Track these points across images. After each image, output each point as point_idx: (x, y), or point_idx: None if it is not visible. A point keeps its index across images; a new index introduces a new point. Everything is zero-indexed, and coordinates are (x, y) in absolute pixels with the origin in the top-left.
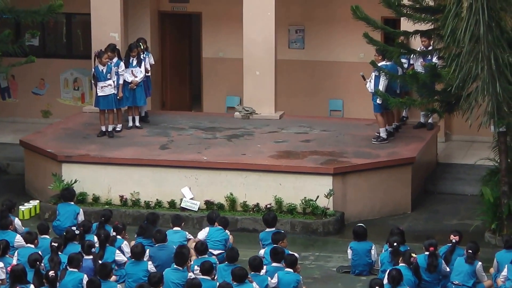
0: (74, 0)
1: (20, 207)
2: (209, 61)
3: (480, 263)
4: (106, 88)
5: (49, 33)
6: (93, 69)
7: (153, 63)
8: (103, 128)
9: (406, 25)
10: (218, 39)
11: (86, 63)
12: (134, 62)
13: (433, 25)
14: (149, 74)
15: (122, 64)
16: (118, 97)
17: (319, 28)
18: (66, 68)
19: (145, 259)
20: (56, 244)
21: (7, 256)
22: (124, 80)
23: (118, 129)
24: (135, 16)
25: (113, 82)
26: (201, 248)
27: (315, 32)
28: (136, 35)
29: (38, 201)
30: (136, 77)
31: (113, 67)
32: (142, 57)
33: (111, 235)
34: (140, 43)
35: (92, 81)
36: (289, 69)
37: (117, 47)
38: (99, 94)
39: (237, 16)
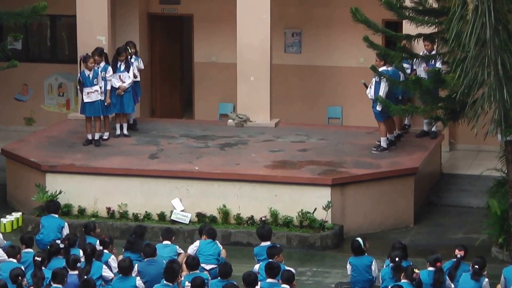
0: (59, 1)
1: (2, 219)
2: (201, 66)
3: (486, 279)
4: (92, 94)
5: (33, 36)
6: (79, 74)
7: (143, 68)
8: (90, 137)
9: (408, 28)
10: (210, 43)
11: (71, 68)
12: (122, 67)
13: (436, 28)
14: (138, 79)
15: (109, 69)
16: (105, 104)
17: (316, 31)
18: (50, 73)
19: (133, 274)
20: (39, 259)
21: None
22: (112, 86)
23: (105, 137)
24: (123, 18)
25: (100, 87)
26: (193, 262)
27: (312, 35)
28: (125, 39)
29: (20, 213)
30: (124, 82)
31: (99, 72)
32: (130, 62)
33: (97, 249)
34: (129, 47)
35: (78, 87)
36: (285, 74)
37: (104, 51)
38: (85, 100)
39: (230, 18)
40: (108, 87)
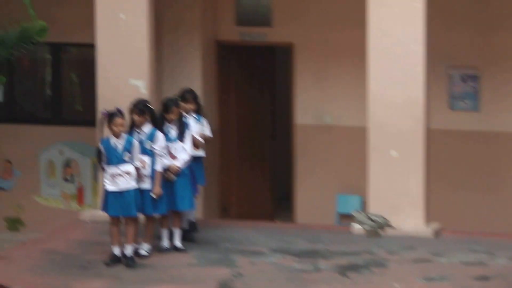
0: (66, 21)
1: None
2: (305, 131)
3: None
4: (121, 179)
5: (22, 79)
6: (99, 144)
7: (210, 136)
8: (117, 251)
9: None
10: (323, 93)
11: (86, 133)
12: (173, 133)
13: None
14: (201, 154)
15: (161, 137)
16: (152, 195)
17: (503, 74)
18: (51, 142)
19: None
20: None
21: None
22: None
23: (143, 252)
24: (175, 51)
25: (138, 168)
26: None
27: (497, 81)
28: (177, 85)
29: None
30: (175, 159)
31: (134, 141)
32: (187, 124)
33: None
34: (184, 99)
35: (99, 165)
36: (452, 146)
37: (148, 105)
38: (109, 188)
39: (356, 51)
40: (158, 168)
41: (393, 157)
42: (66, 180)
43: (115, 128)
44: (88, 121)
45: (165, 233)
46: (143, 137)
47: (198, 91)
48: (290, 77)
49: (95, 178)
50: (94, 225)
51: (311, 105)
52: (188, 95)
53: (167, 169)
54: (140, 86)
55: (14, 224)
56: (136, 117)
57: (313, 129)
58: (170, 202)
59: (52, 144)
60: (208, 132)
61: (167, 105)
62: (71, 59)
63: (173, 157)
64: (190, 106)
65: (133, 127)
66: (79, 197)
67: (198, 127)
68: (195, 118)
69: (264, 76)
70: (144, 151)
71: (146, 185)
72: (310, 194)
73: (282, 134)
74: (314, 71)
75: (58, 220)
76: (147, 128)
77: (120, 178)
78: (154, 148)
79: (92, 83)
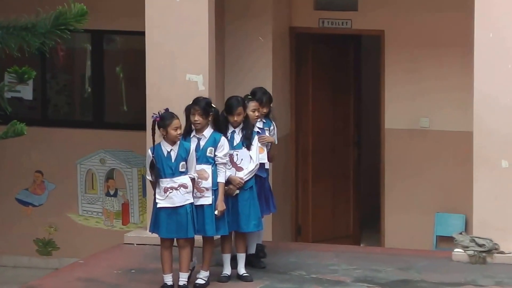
0: (109, 6)
1: None
2: (397, 136)
3: None
4: (176, 193)
5: (56, 74)
6: (149, 152)
7: (276, 142)
8: (169, 280)
9: None
10: (418, 90)
11: (133, 138)
12: (237, 139)
13: None
14: (269, 164)
15: (223, 141)
16: (216, 212)
17: None
18: (90, 149)
19: None
20: None
21: None
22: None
23: (200, 281)
24: (240, 41)
25: (195, 178)
26: None
27: None
28: (243, 80)
29: None
30: (240, 169)
31: (192, 148)
32: (254, 130)
33: None
34: (251, 99)
35: (147, 177)
36: None
37: (212, 106)
38: (161, 204)
39: (459, 41)
40: (222, 179)
41: (504, 168)
42: (108, 194)
43: (171, 133)
44: (135, 124)
45: (227, 259)
46: (202, 143)
47: (268, 89)
48: (379, 72)
49: (144, 193)
50: (141, 249)
51: (404, 105)
52: (263, 97)
53: (228, 182)
54: (198, 82)
55: (46, 247)
56: (197, 119)
57: (406, 135)
58: (233, 221)
59: (92, 152)
60: (274, 138)
61: (232, 105)
62: (116, 49)
63: (237, 167)
64: (263, 110)
65: (190, 131)
66: (124, 215)
67: (265, 132)
68: (264, 122)
69: (348, 71)
70: (204, 159)
71: (205, 200)
72: (402, 212)
73: (368, 141)
74: (408, 64)
75: (99, 242)
76: (207, 132)
77: (174, 192)
78: (217, 156)
79: (141, 79)
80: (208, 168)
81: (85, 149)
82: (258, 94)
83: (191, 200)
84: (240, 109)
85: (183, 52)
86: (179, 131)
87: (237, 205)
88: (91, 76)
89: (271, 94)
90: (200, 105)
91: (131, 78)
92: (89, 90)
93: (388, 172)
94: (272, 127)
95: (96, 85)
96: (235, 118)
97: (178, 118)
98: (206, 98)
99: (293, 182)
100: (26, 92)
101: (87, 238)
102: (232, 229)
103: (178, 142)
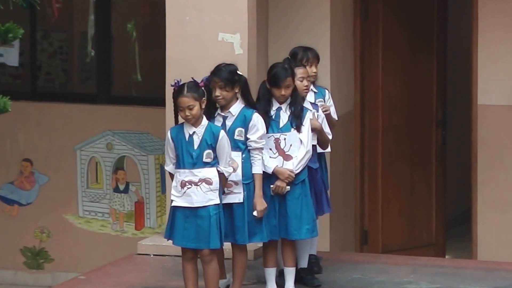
0: None
1: None
2: (494, 115)
3: None
4: (195, 190)
5: (50, 33)
6: (168, 134)
7: (336, 119)
8: None
9: None
10: None
11: (149, 116)
12: (284, 117)
13: None
14: (326, 149)
15: (258, 119)
16: (254, 214)
17: None
18: (94, 130)
19: None
20: None
21: None
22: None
23: None
24: None
25: (222, 171)
26: None
27: None
28: (291, 43)
29: None
30: (289, 158)
31: (221, 133)
32: (303, 104)
33: None
34: (299, 63)
35: (166, 168)
36: None
37: (237, 72)
38: (176, 202)
39: None
40: (258, 170)
41: None
42: (117, 190)
43: (180, 112)
44: (151, 98)
45: (271, 274)
46: (229, 123)
47: (325, 54)
48: (470, 34)
49: (163, 188)
50: (159, 261)
51: (504, 76)
52: (308, 54)
53: (273, 176)
54: (235, 43)
55: (36, 258)
56: (218, 94)
57: (506, 113)
58: (279, 226)
59: (96, 134)
60: (334, 114)
61: (279, 76)
62: (126, 1)
63: (285, 155)
64: (312, 69)
65: (214, 108)
66: (138, 217)
67: (318, 106)
68: (316, 90)
69: (430, 31)
70: (232, 144)
71: (234, 198)
72: (499, 216)
73: (457, 120)
74: (508, 23)
75: (104, 252)
76: (236, 108)
77: (193, 189)
78: (250, 140)
79: (160, 39)
80: (237, 156)
81: (87, 131)
82: (300, 54)
83: (217, 201)
84: (289, 80)
85: (213, 5)
86: (188, 112)
87: (285, 205)
88: (94, 35)
89: (329, 57)
90: (221, 76)
91: (146, 37)
92: (92, 53)
93: (482, 160)
94: (327, 97)
95: (101, 47)
96: (283, 92)
97: (195, 94)
98: (229, 64)
99: (356, 173)
100: (11, 56)
101: (90, 247)
102: (276, 236)
103: (205, 123)
